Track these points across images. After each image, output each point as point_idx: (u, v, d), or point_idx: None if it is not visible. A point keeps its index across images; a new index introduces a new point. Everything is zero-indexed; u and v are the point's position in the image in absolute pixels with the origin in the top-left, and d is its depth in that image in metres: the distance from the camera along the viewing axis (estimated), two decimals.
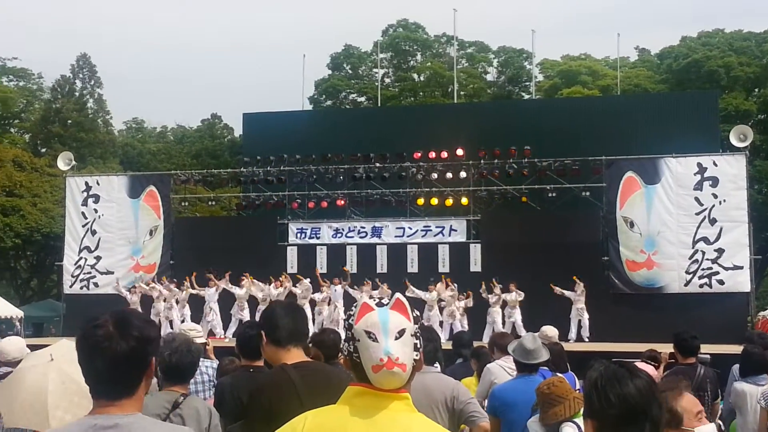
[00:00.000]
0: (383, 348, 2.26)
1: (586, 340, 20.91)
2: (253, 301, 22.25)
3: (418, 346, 2.32)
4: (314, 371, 3.50)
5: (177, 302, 22.89)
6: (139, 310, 22.55)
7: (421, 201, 24.44)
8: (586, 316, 21.31)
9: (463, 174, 24.30)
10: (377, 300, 2.37)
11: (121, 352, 2.37)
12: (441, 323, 21.08)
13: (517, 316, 21.11)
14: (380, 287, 20.86)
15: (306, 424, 2.36)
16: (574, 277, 21.35)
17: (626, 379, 2.55)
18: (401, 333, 2.29)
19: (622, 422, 2.51)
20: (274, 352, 3.76)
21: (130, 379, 2.41)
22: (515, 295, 21.29)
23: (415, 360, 2.31)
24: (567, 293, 21.28)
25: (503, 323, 20.99)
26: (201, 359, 6.33)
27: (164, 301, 22.86)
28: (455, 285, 21.75)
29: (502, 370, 6.97)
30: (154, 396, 4.89)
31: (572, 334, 21.12)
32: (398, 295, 2.40)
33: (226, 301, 22.60)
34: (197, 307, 22.74)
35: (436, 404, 4.99)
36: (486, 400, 6.95)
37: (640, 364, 5.96)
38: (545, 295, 21.12)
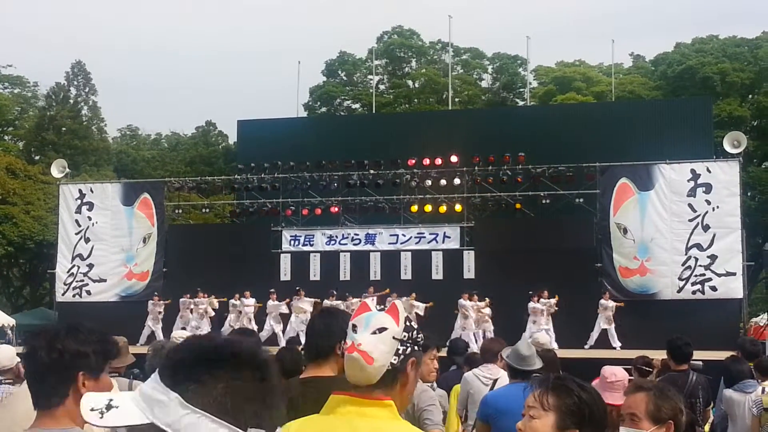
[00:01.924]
0: (353, 336, 2.32)
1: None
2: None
3: (401, 351, 2.33)
4: (319, 387, 3.47)
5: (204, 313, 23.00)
6: (159, 320, 22.67)
7: (414, 208, 24.43)
8: (613, 325, 21.35)
9: (457, 181, 24.31)
10: (381, 307, 2.42)
11: (41, 362, 2.45)
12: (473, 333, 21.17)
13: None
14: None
15: None
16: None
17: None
18: (381, 330, 2.31)
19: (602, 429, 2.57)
20: (309, 366, 3.74)
21: (50, 390, 2.45)
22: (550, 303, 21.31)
23: (392, 364, 2.31)
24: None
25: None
26: None
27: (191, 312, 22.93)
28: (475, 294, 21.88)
29: (476, 379, 6.93)
30: None
31: (591, 341, 21.28)
32: (396, 301, 2.46)
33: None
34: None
35: None
36: (465, 409, 6.94)
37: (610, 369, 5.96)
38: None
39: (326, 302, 21.73)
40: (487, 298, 21.83)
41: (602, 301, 21.41)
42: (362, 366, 2.28)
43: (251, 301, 22.80)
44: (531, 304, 21.24)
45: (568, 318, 21.15)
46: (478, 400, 6.74)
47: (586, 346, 20.95)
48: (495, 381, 6.75)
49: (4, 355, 6.96)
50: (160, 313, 23.36)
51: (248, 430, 1.43)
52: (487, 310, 21.81)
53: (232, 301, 22.85)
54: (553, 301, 21.19)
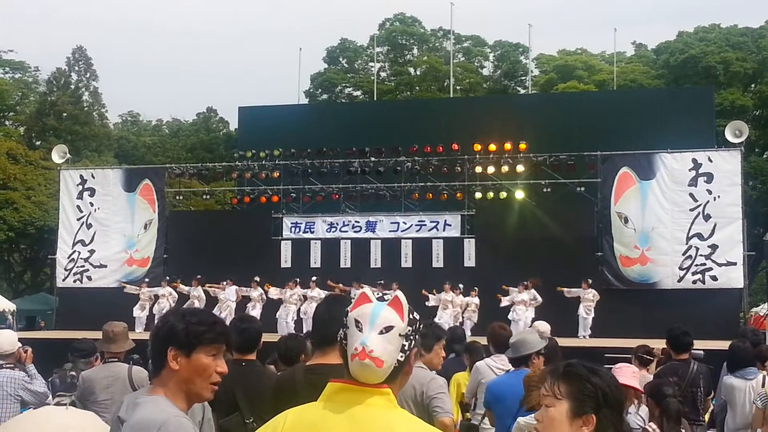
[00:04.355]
0: (362, 338, 2.27)
1: (586, 337, 20.92)
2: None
3: (406, 347, 2.31)
4: (324, 374, 3.48)
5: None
6: (147, 306, 22.71)
7: (415, 195, 24.40)
8: (591, 314, 21.28)
9: (458, 169, 24.27)
10: (380, 294, 2.38)
11: (150, 336, 2.83)
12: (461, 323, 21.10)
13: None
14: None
15: (286, 422, 2.37)
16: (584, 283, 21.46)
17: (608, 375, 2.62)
18: (387, 329, 2.29)
19: (618, 414, 2.56)
20: (315, 353, 3.74)
21: (152, 359, 2.81)
22: (533, 294, 21.20)
23: (398, 361, 2.30)
24: (573, 291, 21.30)
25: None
26: None
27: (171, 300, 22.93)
28: (461, 286, 21.85)
29: (489, 369, 6.91)
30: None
31: (582, 331, 21.21)
32: (399, 293, 2.41)
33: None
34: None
35: (405, 398, 4.93)
36: (474, 398, 6.95)
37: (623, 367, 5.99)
38: (539, 291, 21.12)
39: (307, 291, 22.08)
40: (475, 288, 21.85)
41: (580, 290, 21.32)
42: (374, 371, 2.27)
43: (232, 289, 22.75)
44: (514, 294, 21.27)
45: (567, 307, 21.13)
46: None
47: (584, 336, 20.98)
48: (507, 371, 6.76)
49: (5, 340, 6.97)
50: (149, 299, 23.34)
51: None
52: (475, 300, 21.79)
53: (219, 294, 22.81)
54: (527, 296, 21.15)
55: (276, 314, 22.02)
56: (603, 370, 2.60)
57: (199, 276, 22.94)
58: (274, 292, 22.41)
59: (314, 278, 22.41)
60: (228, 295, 22.49)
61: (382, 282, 21.08)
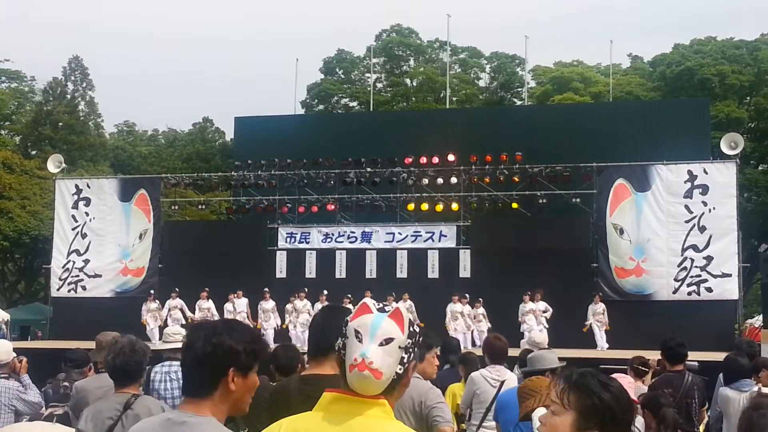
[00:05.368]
0: (361, 349, 2.26)
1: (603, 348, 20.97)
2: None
3: (405, 360, 2.31)
4: (319, 384, 3.47)
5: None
6: (157, 316, 22.65)
7: (411, 206, 24.40)
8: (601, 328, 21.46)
9: (453, 179, 24.29)
10: (380, 305, 2.37)
11: (197, 354, 2.61)
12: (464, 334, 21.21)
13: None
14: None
15: (281, 431, 2.36)
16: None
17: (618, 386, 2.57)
18: (387, 341, 2.28)
19: (626, 428, 2.52)
20: (310, 363, 3.75)
21: (201, 380, 2.62)
22: (545, 306, 21.29)
23: (397, 373, 2.29)
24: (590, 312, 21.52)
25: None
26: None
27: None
28: (467, 296, 21.96)
29: (484, 381, 6.88)
30: (106, 399, 4.91)
31: (602, 343, 21.32)
32: (400, 305, 2.41)
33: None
34: None
35: (403, 409, 4.92)
36: (468, 409, 6.93)
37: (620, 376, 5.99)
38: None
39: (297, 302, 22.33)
40: (480, 299, 21.89)
41: (591, 306, 21.48)
42: (372, 383, 2.26)
43: (243, 301, 22.72)
44: (521, 305, 21.29)
45: (563, 318, 21.13)
46: (484, 401, 6.74)
47: (604, 348, 20.99)
48: (502, 383, 6.73)
49: (1, 350, 6.94)
50: (158, 309, 23.25)
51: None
52: (481, 310, 21.84)
53: (226, 305, 22.74)
54: (537, 306, 21.19)
55: (288, 327, 22.16)
56: (615, 385, 2.53)
57: (207, 288, 22.92)
58: (298, 304, 22.36)
59: (324, 292, 22.34)
60: (239, 307, 22.44)
61: (394, 294, 21.27)
